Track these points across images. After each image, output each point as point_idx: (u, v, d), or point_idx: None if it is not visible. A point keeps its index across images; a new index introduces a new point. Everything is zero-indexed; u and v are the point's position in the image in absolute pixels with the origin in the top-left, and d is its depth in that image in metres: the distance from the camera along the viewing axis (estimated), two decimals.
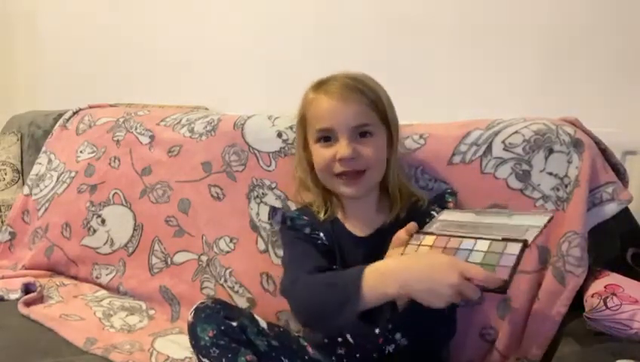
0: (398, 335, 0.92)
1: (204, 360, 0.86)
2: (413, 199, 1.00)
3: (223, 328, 0.87)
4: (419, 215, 0.96)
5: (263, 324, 0.94)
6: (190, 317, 0.89)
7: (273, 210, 1.18)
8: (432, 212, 0.96)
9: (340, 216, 1.02)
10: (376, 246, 0.95)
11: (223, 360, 0.85)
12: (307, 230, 0.99)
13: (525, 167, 1.02)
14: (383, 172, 0.98)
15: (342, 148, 0.91)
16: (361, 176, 0.93)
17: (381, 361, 0.93)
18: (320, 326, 0.91)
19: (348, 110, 0.92)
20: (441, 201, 0.98)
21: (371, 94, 0.94)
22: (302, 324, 0.99)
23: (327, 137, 0.94)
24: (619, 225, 1.00)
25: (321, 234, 0.99)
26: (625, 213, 1.00)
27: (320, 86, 0.97)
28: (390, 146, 0.98)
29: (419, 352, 0.91)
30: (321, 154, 0.95)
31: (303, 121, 1.00)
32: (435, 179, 1.07)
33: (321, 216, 1.01)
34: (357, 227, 0.99)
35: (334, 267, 0.95)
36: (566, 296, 0.92)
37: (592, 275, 0.94)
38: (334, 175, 0.94)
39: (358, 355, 0.94)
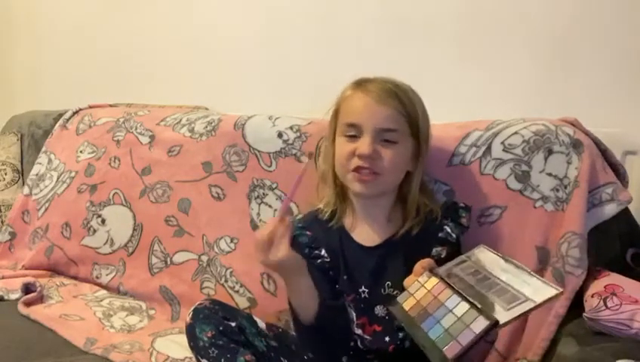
0: (407, 343, 0.92)
1: (202, 360, 0.86)
2: (427, 209, 0.98)
3: (221, 328, 0.87)
4: (431, 230, 0.95)
5: (262, 325, 0.94)
6: (188, 318, 0.89)
7: None
8: (445, 227, 0.95)
9: (348, 223, 1.01)
10: (383, 257, 0.96)
11: (222, 360, 0.85)
12: (306, 250, 0.98)
13: (525, 167, 1.02)
14: (399, 181, 0.97)
15: (363, 145, 0.91)
16: (374, 177, 0.93)
17: (387, 359, 0.94)
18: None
19: (379, 111, 0.92)
20: (454, 216, 0.97)
21: (407, 103, 0.94)
22: None
23: (352, 133, 0.94)
24: (618, 225, 1.00)
25: (323, 251, 0.98)
26: (624, 214, 1.00)
27: (360, 84, 0.97)
28: (416, 159, 0.97)
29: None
30: (342, 147, 0.95)
31: (335, 114, 1.00)
32: (435, 180, 1.07)
33: (327, 216, 1.01)
34: (365, 235, 0.99)
35: (337, 281, 0.96)
36: (565, 297, 0.92)
37: (591, 275, 0.94)
38: (349, 170, 0.94)
39: (366, 351, 0.94)
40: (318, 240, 0.99)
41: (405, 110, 0.94)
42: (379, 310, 0.94)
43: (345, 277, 0.96)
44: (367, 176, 0.93)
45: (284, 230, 0.82)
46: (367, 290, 0.95)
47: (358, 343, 0.94)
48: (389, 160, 0.92)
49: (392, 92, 0.94)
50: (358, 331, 0.94)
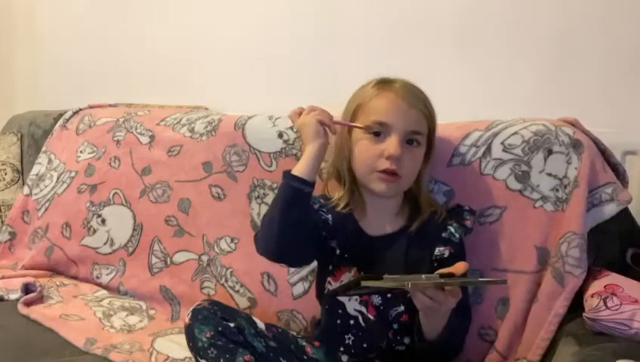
0: (406, 339, 0.92)
1: (201, 361, 0.86)
2: (431, 209, 0.99)
3: (220, 329, 0.87)
4: (434, 229, 0.96)
5: (261, 325, 0.94)
6: (187, 319, 0.89)
7: None
8: (449, 227, 0.96)
9: (356, 213, 1.01)
10: (381, 248, 0.97)
11: (221, 360, 0.85)
12: (317, 206, 1.00)
13: (524, 168, 1.03)
14: (413, 181, 0.97)
15: (393, 146, 0.91)
16: (397, 178, 0.93)
17: (388, 359, 0.94)
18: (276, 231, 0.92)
19: (410, 113, 0.93)
20: (458, 218, 0.97)
21: (430, 107, 0.96)
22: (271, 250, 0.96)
23: (377, 131, 0.93)
24: (618, 225, 1.01)
25: (330, 216, 0.99)
26: (624, 214, 1.01)
27: (385, 84, 0.97)
28: (426, 160, 0.98)
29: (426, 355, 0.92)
30: (368, 147, 0.94)
31: (357, 109, 0.97)
32: (435, 180, 1.07)
33: (339, 208, 1.00)
34: (370, 226, 0.99)
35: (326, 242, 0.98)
36: (565, 297, 0.93)
37: (591, 275, 0.94)
38: (375, 170, 0.93)
39: (365, 345, 0.94)
40: (327, 208, 1.00)
41: (428, 112, 0.95)
42: (374, 299, 0.94)
43: (346, 255, 0.97)
44: (391, 177, 0.93)
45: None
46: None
47: (361, 321, 0.94)
48: (411, 162, 0.94)
49: (418, 95, 0.95)
50: (362, 308, 0.94)
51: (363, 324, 0.95)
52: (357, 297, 0.95)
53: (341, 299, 0.96)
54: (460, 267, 0.80)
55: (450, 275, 0.78)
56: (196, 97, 1.76)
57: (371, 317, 0.94)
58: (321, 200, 1.03)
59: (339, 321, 0.96)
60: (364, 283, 0.78)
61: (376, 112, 0.94)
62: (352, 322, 0.95)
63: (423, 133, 0.95)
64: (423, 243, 0.95)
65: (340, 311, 0.96)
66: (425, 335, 0.86)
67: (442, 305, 0.79)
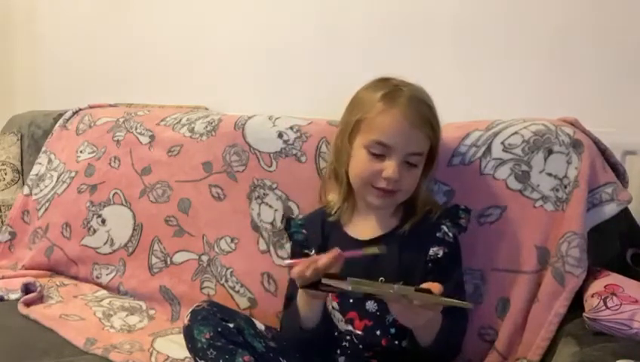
0: (404, 343, 0.92)
1: None
2: (426, 208, 0.99)
3: (219, 330, 0.87)
4: (428, 229, 0.96)
5: (260, 326, 0.94)
6: (186, 320, 0.89)
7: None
8: (443, 227, 0.95)
9: (345, 219, 1.01)
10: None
11: (220, 361, 0.85)
12: (298, 248, 1.01)
13: (525, 167, 1.02)
14: (410, 193, 0.97)
15: (391, 169, 0.91)
16: (393, 195, 0.94)
17: (385, 359, 0.94)
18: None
19: (412, 136, 0.92)
20: (453, 216, 0.97)
21: (435, 124, 0.95)
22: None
23: (379, 152, 0.92)
24: (618, 225, 1.00)
25: (312, 251, 0.99)
26: (624, 214, 1.01)
27: (392, 98, 0.93)
28: (427, 170, 0.98)
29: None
30: (366, 163, 0.94)
31: (359, 122, 0.95)
32: (435, 180, 1.07)
33: (332, 214, 1.01)
34: (361, 230, 0.99)
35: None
36: (565, 297, 0.93)
37: (591, 275, 0.94)
38: (371, 185, 0.94)
39: (361, 346, 0.94)
40: (310, 240, 1.01)
41: (432, 132, 0.95)
42: (370, 305, 0.93)
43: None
44: (387, 194, 0.93)
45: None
46: None
47: (354, 338, 0.94)
48: (409, 179, 0.94)
49: (424, 115, 0.93)
50: (348, 327, 0.94)
51: (356, 341, 0.94)
52: (342, 317, 0.95)
53: (333, 319, 0.96)
54: (435, 287, 0.78)
55: (427, 292, 0.76)
56: (196, 97, 1.76)
57: (359, 331, 0.93)
58: (304, 231, 1.03)
59: (336, 333, 0.96)
60: (324, 281, 0.77)
61: (379, 132, 0.92)
62: (347, 337, 0.95)
63: (423, 154, 0.95)
64: (416, 243, 0.95)
65: (334, 332, 0.96)
66: (418, 340, 0.86)
67: (418, 316, 0.79)
